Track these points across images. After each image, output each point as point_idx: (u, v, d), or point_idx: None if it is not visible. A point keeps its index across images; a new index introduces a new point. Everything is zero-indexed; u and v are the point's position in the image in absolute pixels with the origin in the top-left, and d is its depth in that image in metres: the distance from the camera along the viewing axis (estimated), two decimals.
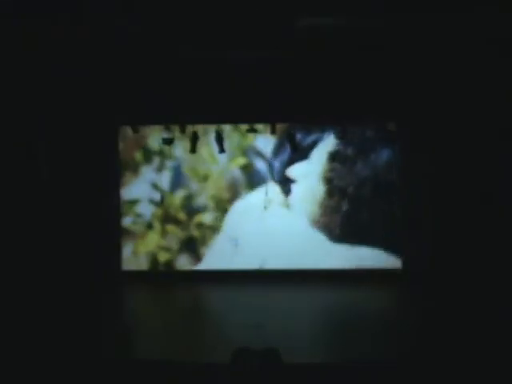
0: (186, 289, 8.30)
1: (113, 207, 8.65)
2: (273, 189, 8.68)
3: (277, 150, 8.64)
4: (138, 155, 8.81)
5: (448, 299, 7.19)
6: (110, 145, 8.58)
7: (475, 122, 7.60)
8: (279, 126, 8.44)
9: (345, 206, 8.58)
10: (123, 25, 6.24)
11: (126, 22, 6.16)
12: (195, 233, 8.79)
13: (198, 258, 8.78)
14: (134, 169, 8.82)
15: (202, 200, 8.80)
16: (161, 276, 8.77)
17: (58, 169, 7.99)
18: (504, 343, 5.10)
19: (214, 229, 8.77)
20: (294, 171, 8.62)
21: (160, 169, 8.81)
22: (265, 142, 8.65)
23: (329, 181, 8.57)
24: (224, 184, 8.77)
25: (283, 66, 7.67)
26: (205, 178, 8.78)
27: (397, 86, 7.95)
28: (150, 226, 8.83)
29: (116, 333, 6.12)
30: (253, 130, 8.37)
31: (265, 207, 8.72)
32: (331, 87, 7.93)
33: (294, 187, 8.65)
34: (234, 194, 8.77)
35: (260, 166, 8.71)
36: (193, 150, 8.28)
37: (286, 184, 8.61)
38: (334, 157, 8.56)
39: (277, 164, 8.66)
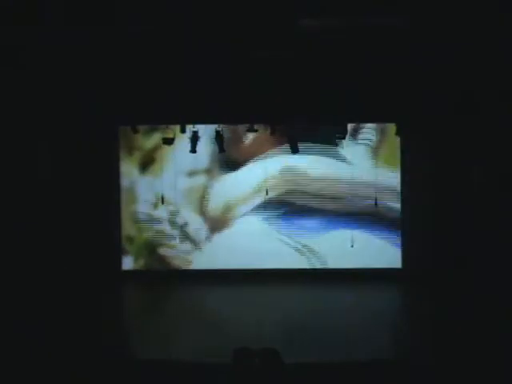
0: (186, 288, 8.30)
1: (113, 207, 8.66)
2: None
3: None
4: None
5: (448, 299, 7.20)
6: (109, 144, 8.58)
7: (475, 122, 7.59)
8: None
9: None
10: (123, 25, 6.23)
11: (125, 21, 6.15)
12: None
13: None
14: None
15: None
16: (161, 276, 8.77)
17: (58, 169, 7.99)
18: (504, 343, 5.11)
19: None
20: None
21: None
22: None
23: None
24: None
25: (283, 66, 7.66)
26: None
27: (397, 86, 7.94)
28: None
29: (116, 333, 6.13)
30: (253, 130, 8.37)
31: (265, 207, 8.73)
32: (331, 87, 7.92)
33: None
34: None
35: None
36: (193, 150, 8.26)
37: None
38: None
39: None
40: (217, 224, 8.92)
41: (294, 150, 8.21)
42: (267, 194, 8.65)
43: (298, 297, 7.76)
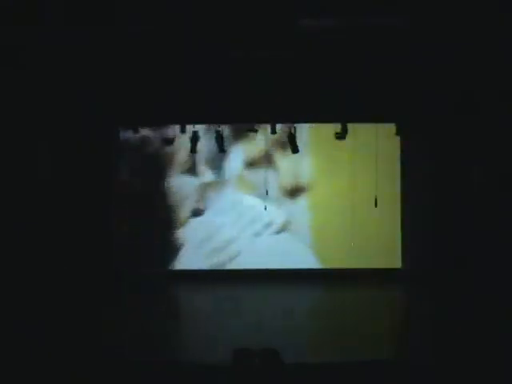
0: (186, 288, 8.30)
1: (112, 207, 8.66)
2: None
3: None
4: None
5: (448, 299, 7.19)
6: (109, 145, 8.58)
7: (475, 122, 7.59)
8: None
9: None
10: (123, 25, 6.23)
11: (125, 21, 6.16)
12: None
13: None
14: None
15: None
16: (160, 276, 8.77)
17: (58, 169, 7.99)
18: (504, 343, 5.10)
19: None
20: None
21: None
22: None
23: None
24: None
25: (283, 66, 7.66)
26: None
27: (397, 86, 7.94)
28: None
29: (116, 333, 6.12)
30: (253, 130, 8.37)
31: (265, 207, 8.73)
32: (331, 87, 7.92)
33: None
34: None
35: None
36: (193, 150, 8.27)
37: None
38: None
39: None
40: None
41: (294, 150, 8.23)
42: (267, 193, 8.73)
43: (297, 297, 7.76)
